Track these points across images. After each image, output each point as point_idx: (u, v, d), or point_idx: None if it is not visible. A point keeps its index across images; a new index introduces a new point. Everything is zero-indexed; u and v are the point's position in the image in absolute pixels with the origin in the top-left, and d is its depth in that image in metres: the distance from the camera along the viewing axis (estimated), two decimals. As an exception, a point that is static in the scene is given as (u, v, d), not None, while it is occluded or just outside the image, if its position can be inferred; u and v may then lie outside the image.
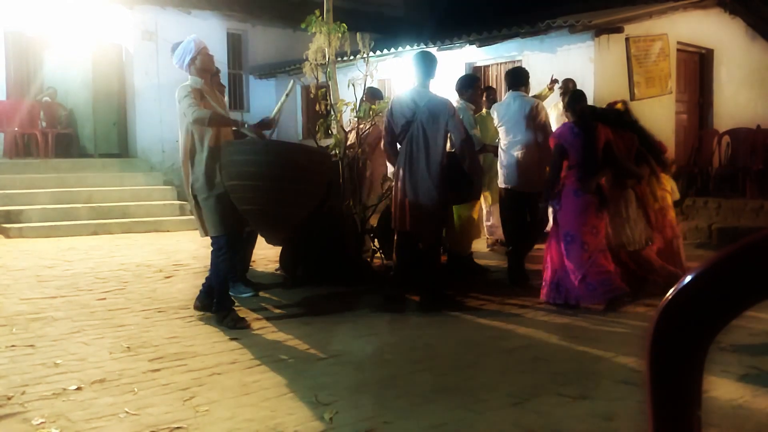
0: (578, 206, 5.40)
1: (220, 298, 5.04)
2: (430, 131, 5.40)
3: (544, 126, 6.45)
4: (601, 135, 5.45)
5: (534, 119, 6.37)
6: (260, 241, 5.95)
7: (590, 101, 9.57)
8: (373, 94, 7.18)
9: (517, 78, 6.61)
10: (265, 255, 7.89)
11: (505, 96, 6.75)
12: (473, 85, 6.95)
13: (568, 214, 5.42)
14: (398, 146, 5.59)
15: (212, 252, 5.15)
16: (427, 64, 5.59)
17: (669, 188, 6.01)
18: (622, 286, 5.34)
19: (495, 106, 6.80)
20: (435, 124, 5.40)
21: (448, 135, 5.46)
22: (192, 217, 11.38)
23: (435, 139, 5.42)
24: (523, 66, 10.65)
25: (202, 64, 5.02)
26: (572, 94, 5.88)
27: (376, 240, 7.04)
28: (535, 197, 6.19)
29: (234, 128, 5.20)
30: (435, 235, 5.60)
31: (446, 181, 5.49)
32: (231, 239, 5.05)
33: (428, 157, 5.41)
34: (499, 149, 6.58)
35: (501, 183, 6.56)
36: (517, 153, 6.38)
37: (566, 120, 5.81)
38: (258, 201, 4.89)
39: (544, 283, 5.62)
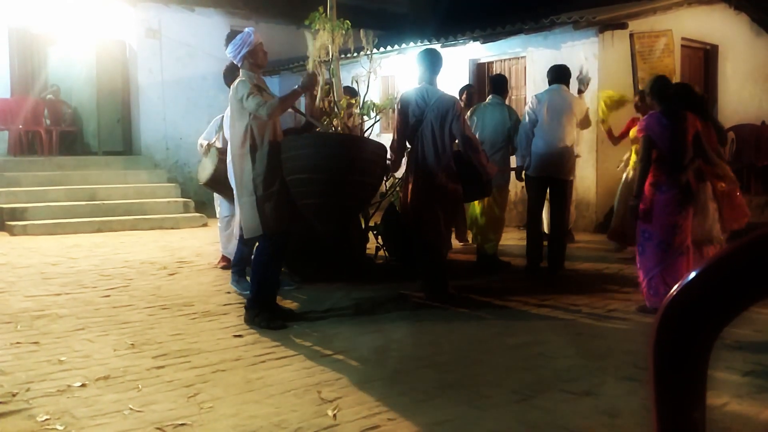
0: (661, 202, 5.02)
1: (255, 296, 4.92)
2: (437, 130, 5.43)
3: (586, 119, 6.88)
4: (690, 125, 5.08)
5: (579, 114, 6.73)
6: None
7: (594, 98, 9.56)
8: (349, 92, 7.21)
9: (563, 74, 6.86)
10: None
11: (549, 87, 6.89)
12: (507, 83, 7.47)
13: (649, 210, 5.06)
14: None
15: (256, 252, 5.00)
16: (433, 60, 5.63)
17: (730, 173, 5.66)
18: None
19: (538, 96, 6.85)
20: (443, 122, 5.43)
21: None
22: (194, 214, 11.46)
23: (443, 138, 5.44)
24: (527, 62, 10.66)
25: (256, 59, 4.91)
26: (657, 81, 5.35)
27: (379, 237, 7.04)
28: (561, 183, 6.60)
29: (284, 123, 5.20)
30: (443, 233, 5.62)
31: (456, 180, 5.54)
32: (286, 236, 4.97)
33: (437, 156, 5.44)
34: (537, 138, 6.65)
35: (532, 171, 6.71)
36: (560, 142, 6.60)
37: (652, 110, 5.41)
38: (325, 194, 4.87)
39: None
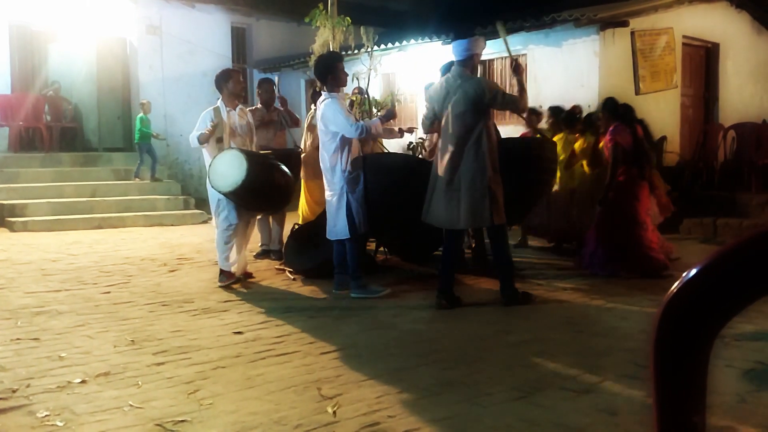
0: (638, 193, 6.32)
1: (512, 277, 5.39)
2: None
3: None
4: (639, 132, 6.48)
5: None
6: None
7: (595, 95, 9.56)
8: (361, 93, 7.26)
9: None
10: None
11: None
12: None
13: (631, 199, 6.30)
14: None
15: (497, 239, 5.35)
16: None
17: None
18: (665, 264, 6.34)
19: None
20: None
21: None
22: (194, 210, 11.46)
23: None
24: (529, 60, 10.65)
25: (475, 65, 5.44)
26: (610, 100, 6.69)
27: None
28: None
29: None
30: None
31: None
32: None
33: None
34: None
35: None
36: None
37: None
38: (537, 189, 6.17)
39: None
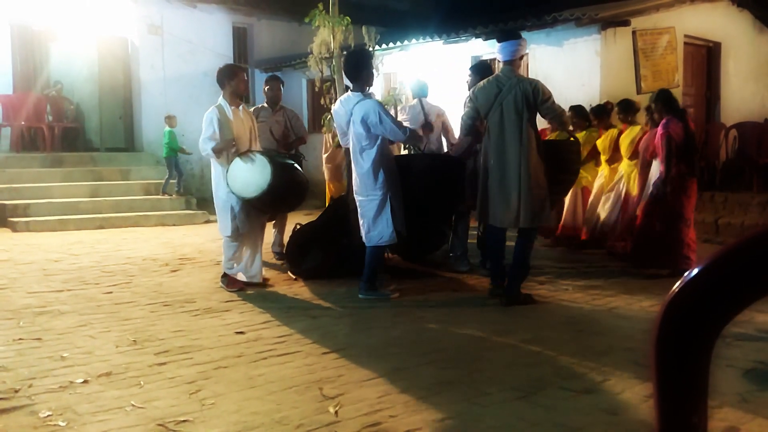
0: (688, 188, 6.24)
1: (522, 279, 5.38)
2: None
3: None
4: (692, 127, 6.36)
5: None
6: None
7: (596, 95, 9.56)
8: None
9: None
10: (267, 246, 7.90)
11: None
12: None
13: (679, 194, 6.19)
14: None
15: (528, 240, 5.35)
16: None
17: None
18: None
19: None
20: None
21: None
22: (196, 211, 11.47)
23: None
24: (530, 59, 10.63)
25: (521, 65, 5.53)
26: (663, 92, 6.48)
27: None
28: None
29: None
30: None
31: None
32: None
33: None
34: None
35: None
36: None
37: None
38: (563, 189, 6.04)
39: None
